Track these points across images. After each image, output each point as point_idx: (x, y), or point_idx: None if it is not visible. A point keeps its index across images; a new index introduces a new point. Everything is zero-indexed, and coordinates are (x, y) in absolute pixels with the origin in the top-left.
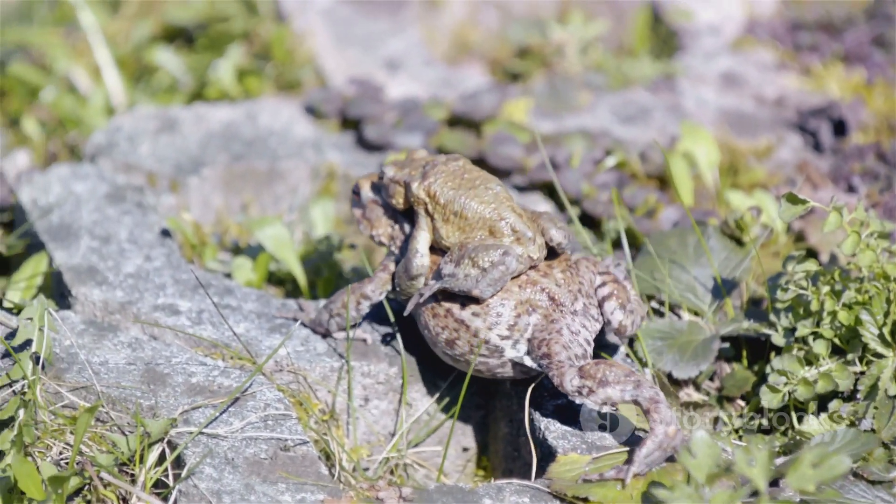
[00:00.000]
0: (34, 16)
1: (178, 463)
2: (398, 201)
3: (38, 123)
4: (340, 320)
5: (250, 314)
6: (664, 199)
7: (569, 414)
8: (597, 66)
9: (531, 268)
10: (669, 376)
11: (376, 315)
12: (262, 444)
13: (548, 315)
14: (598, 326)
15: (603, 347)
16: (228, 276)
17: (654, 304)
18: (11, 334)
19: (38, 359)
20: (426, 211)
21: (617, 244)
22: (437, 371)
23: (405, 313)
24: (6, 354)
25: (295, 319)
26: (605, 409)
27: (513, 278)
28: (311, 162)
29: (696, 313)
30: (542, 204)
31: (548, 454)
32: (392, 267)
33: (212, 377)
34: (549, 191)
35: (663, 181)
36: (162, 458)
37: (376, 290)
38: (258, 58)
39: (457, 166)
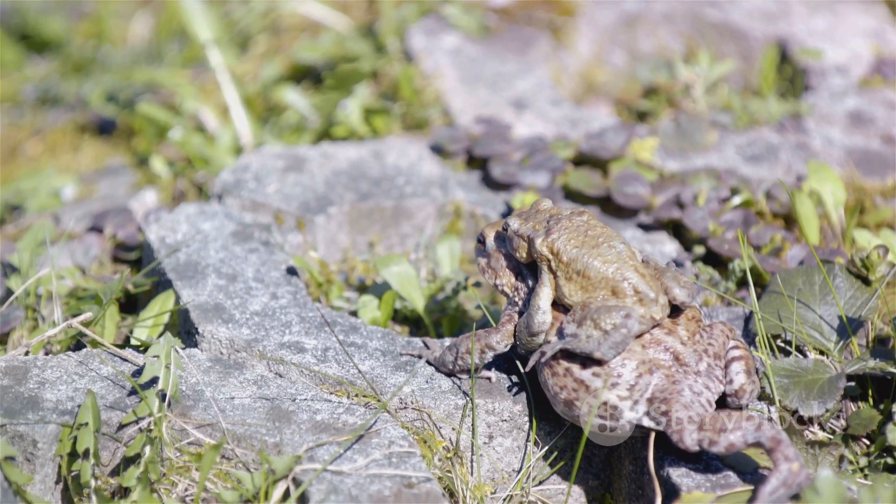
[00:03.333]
0: (163, 56)
1: (303, 500)
2: (521, 255)
3: (167, 162)
4: (464, 364)
5: (375, 352)
6: (790, 238)
7: (693, 453)
8: (723, 105)
9: (654, 326)
10: (795, 414)
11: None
12: (386, 482)
13: (670, 375)
14: (722, 389)
15: None
16: (354, 314)
17: (779, 342)
18: (138, 372)
19: (164, 396)
20: (549, 268)
21: (742, 283)
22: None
23: (525, 370)
24: (133, 392)
25: (420, 357)
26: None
27: (635, 338)
28: (437, 200)
29: (822, 352)
30: (667, 243)
31: (672, 492)
32: (516, 318)
33: (336, 414)
34: (675, 229)
35: (789, 220)
36: (286, 495)
37: (501, 341)
38: (385, 97)
39: (581, 221)
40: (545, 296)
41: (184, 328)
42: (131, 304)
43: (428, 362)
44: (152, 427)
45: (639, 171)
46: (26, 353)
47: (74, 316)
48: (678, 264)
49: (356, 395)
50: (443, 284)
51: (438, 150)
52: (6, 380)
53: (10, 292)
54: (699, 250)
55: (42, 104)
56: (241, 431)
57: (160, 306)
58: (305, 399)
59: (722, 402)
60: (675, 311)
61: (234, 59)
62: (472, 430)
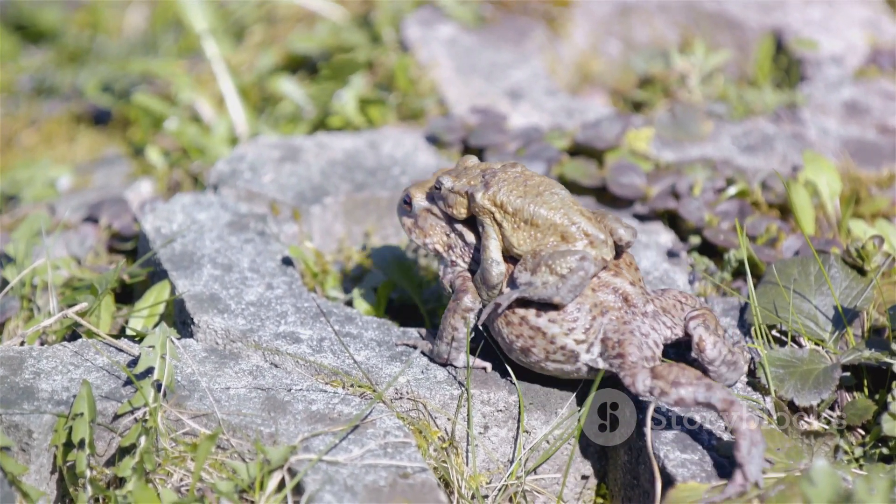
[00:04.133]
0: (159, 46)
1: (298, 490)
2: (459, 211)
3: (162, 152)
4: (458, 344)
5: (371, 342)
6: (786, 229)
7: (688, 442)
8: (719, 95)
9: (602, 269)
10: (790, 404)
11: (495, 345)
12: (381, 472)
13: (620, 317)
14: (668, 335)
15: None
16: (349, 304)
17: (775, 332)
18: (134, 362)
19: (159, 386)
20: (493, 220)
21: (737, 273)
22: (557, 399)
23: (479, 322)
24: (128, 382)
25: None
26: (677, 410)
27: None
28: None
29: (817, 342)
30: (663, 234)
31: (667, 482)
32: (469, 275)
33: (332, 405)
34: (671, 220)
35: (785, 210)
36: (282, 486)
37: (475, 299)
38: (381, 88)
39: (516, 172)
40: (495, 248)
41: (179, 318)
42: (127, 295)
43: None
44: (148, 417)
45: (634, 162)
46: (21, 344)
47: (70, 306)
48: (673, 254)
49: (351, 386)
50: (438, 274)
51: (434, 140)
52: (1, 370)
53: (5, 282)
54: (695, 240)
55: (38, 94)
56: (236, 422)
57: (155, 296)
58: (301, 389)
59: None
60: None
61: (229, 49)
62: (468, 421)
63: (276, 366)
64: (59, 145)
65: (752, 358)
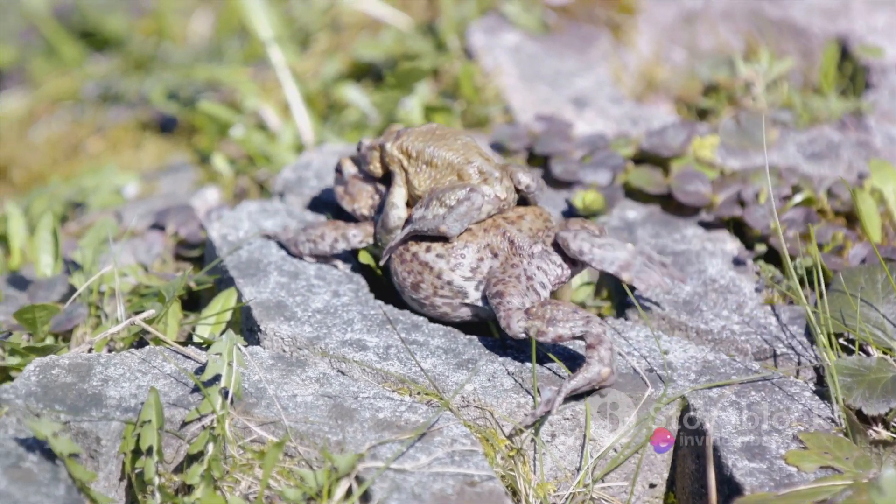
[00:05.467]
0: (224, 53)
1: (366, 498)
2: (375, 166)
3: (228, 160)
4: (314, 247)
5: (437, 350)
6: (852, 237)
7: (756, 451)
8: (784, 103)
9: (498, 212)
10: (859, 413)
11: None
12: (448, 480)
13: (507, 259)
14: (559, 273)
15: None
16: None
17: (842, 341)
18: (201, 369)
19: (226, 393)
20: (401, 167)
21: (804, 281)
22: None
23: (380, 263)
24: (196, 389)
25: (274, 238)
26: (557, 347)
27: (481, 220)
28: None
29: (885, 351)
30: (728, 242)
31: (735, 491)
32: (374, 221)
33: (399, 412)
34: (737, 227)
35: (851, 218)
36: (349, 493)
37: (357, 235)
38: (446, 95)
39: (429, 127)
40: (399, 194)
41: (246, 326)
42: (193, 302)
43: (279, 243)
44: (215, 425)
45: (700, 169)
46: (89, 351)
47: (137, 313)
48: (739, 262)
49: (418, 393)
50: None
51: (499, 148)
52: (70, 377)
53: (73, 290)
54: (761, 248)
55: (103, 102)
56: (303, 429)
57: (222, 304)
58: (368, 397)
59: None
60: (525, 205)
61: (294, 56)
62: (535, 428)
63: (342, 373)
64: (125, 152)
65: (821, 366)
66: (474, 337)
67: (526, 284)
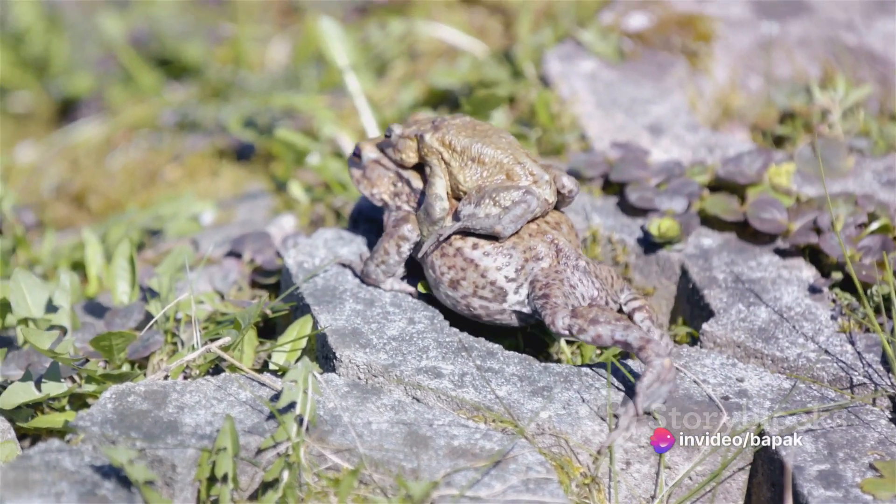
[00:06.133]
0: (301, 81)
1: None
2: (408, 155)
3: (304, 187)
4: (387, 269)
5: (512, 377)
6: None
7: (832, 479)
8: (861, 130)
9: (542, 215)
10: None
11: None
12: None
13: (553, 265)
14: (595, 295)
15: None
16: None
17: None
18: (276, 396)
19: (302, 421)
20: (440, 158)
21: (880, 309)
22: (702, 430)
23: (420, 254)
24: (271, 416)
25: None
26: (597, 349)
27: (529, 221)
28: (575, 226)
29: None
30: (804, 269)
31: None
32: (410, 211)
33: (474, 440)
34: (812, 255)
35: None
36: None
37: (413, 230)
38: (522, 123)
39: (465, 120)
40: (441, 185)
41: (321, 353)
42: (269, 329)
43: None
44: (290, 452)
45: (775, 197)
46: (165, 378)
47: (213, 340)
48: (815, 290)
49: (493, 421)
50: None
51: (575, 174)
52: (146, 404)
53: (149, 317)
54: (837, 276)
55: (181, 129)
56: (378, 457)
57: (298, 331)
58: (443, 424)
59: None
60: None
61: (371, 84)
62: (610, 457)
63: (417, 400)
64: (202, 180)
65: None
66: (549, 364)
67: (569, 289)
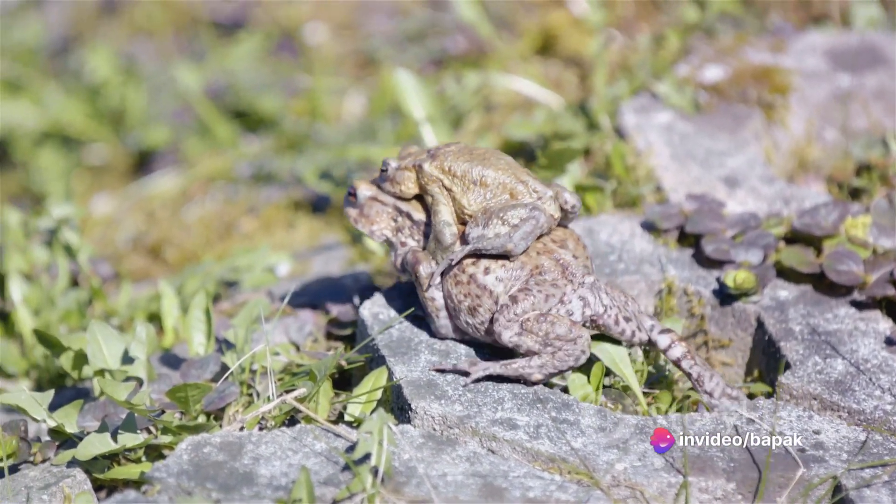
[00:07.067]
0: (377, 133)
1: None
2: (408, 186)
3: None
4: (437, 314)
5: (587, 429)
6: None
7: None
8: None
9: (548, 232)
10: None
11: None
12: None
13: (555, 281)
14: (599, 312)
15: None
16: (565, 390)
17: None
18: (351, 448)
19: (377, 472)
20: (441, 186)
21: None
22: (775, 487)
23: (433, 280)
24: (346, 468)
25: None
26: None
27: (536, 240)
28: (650, 277)
29: None
30: (881, 322)
31: None
32: (416, 247)
33: (549, 492)
34: (889, 308)
35: None
36: None
37: (428, 264)
38: (597, 175)
39: (460, 146)
40: (447, 211)
41: (397, 404)
42: (345, 381)
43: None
44: (365, 503)
45: (852, 249)
46: (241, 429)
47: (288, 392)
48: (892, 342)
49: (569, 472)
50: (655, 360)
51: (651, 227)
52: (221, 455)
53: (225, 368)
54: None
55: (256, 181)
56: None
57: (373, 382)
58: (518, 476)
59: None
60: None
61: (447, 136)
62: None
63: (493, 452)
64: (277, 232)
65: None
66: (625, 415)
67: (554, 305)
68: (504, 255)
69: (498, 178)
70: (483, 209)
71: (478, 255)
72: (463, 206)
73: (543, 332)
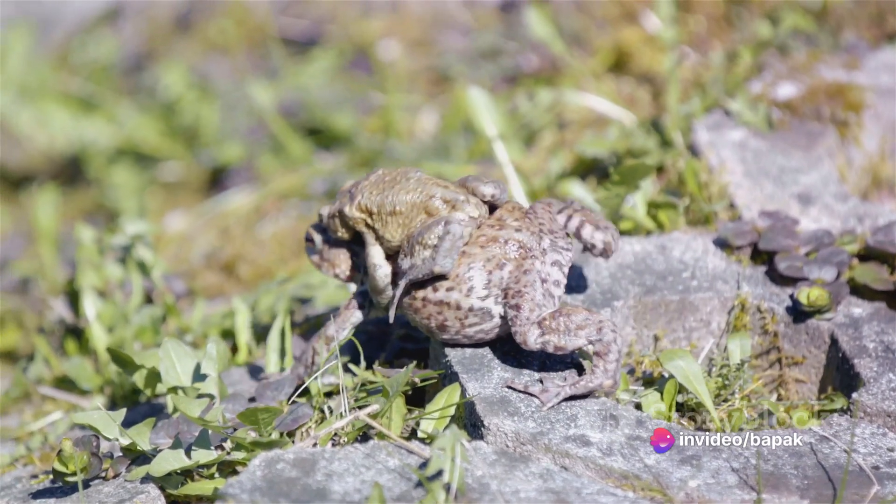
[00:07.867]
0: (450, 150)
1: None
2: (342, 232)
3: None
4: (316, 368)
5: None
6: None
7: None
8: None
9: (480, 226)
10: None
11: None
12: None
13: (520, 265)
14: (571, 254)
15: None
16: (638, 407)
17: None
18: (424, 464)
19: (450, 488)
20: (367, 226)
21: None
22: (852, 500)
23: (391, 321)
24: (419, 484)
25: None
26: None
27: (469, 242)
28: (723, 295)
29: None
30: None
31: None
32: (354, 302)
33: None
34: None
35: None
36: None
37: (339, 329)
38: (670, 192)
39: (377, 176)
40: (376, 252)
41: (469, 421)
42: (418, 397)
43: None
44: None
45: None
46: (314, 445)
47: (361, 408)
48: None
49: (642, 489)
50: (728, 376)
51: (723, 244)
52: (295, 471)
53: (299, 387)
54: None
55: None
56: None
57: (446, 399)
58: (591, 493)
59: None
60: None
61: (519, 153)
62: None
63: (565, 469)
64: None
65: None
66: (698, 432)
67: (542, 290)
68: (442, 276)
69: (408, 201)
70: (407, 237)
71: (419, 283)
72: (388, 241)
73: (563, 326)
